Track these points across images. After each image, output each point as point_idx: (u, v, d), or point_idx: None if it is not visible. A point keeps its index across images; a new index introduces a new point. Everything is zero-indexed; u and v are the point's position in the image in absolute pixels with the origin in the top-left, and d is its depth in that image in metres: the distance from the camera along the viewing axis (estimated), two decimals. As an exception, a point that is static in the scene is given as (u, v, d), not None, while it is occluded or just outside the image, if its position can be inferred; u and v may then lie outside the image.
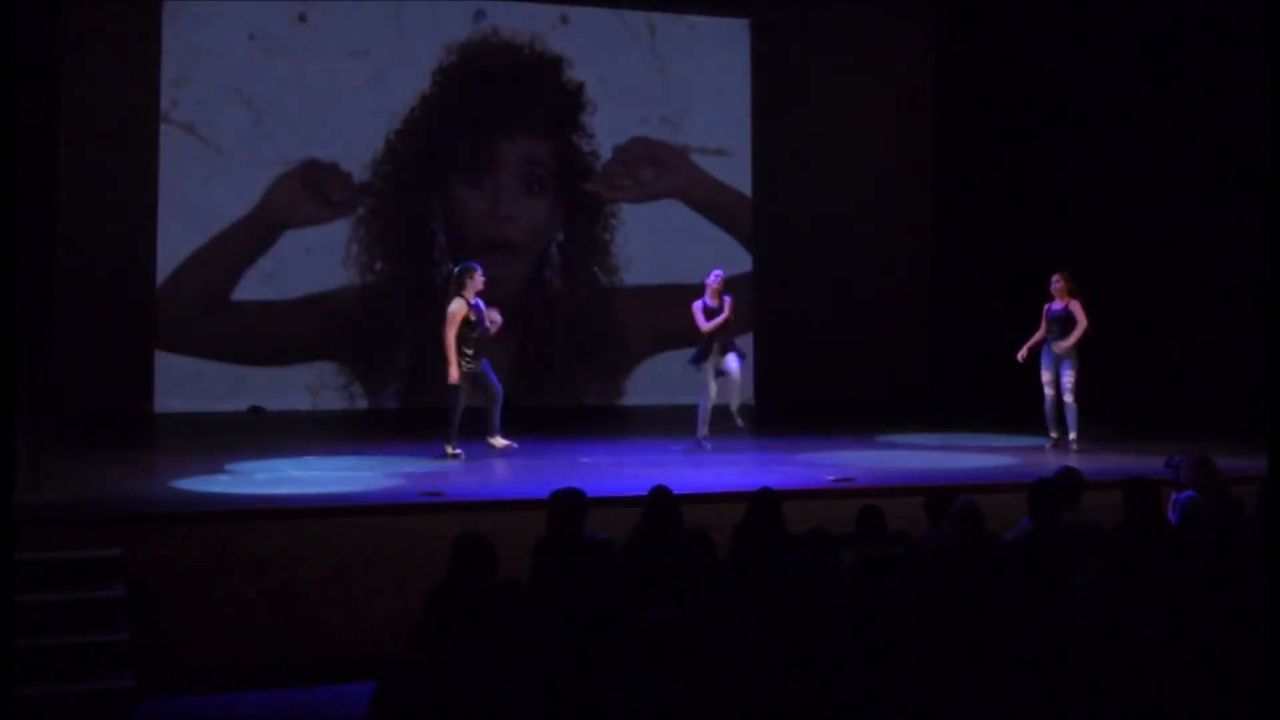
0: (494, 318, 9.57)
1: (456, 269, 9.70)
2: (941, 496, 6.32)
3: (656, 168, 14.36)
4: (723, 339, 10.21)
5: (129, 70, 12.64)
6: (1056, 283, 10.25)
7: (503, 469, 9.18)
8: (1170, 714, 4.15)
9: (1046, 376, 10.25)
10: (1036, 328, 10.35)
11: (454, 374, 9.30)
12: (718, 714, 3.86)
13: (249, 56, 13.07)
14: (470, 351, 9.38)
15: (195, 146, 12.91)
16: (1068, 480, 6.58)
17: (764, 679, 4.04)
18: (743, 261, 14.50)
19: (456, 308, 9.35)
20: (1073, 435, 10.12)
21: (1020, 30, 13.60)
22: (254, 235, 13.10)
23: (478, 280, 9.48)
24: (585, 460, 9.39)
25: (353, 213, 13.41)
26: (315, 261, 13.23)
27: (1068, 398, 10.13)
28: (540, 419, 11.92)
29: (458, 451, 9.33)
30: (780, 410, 13.52)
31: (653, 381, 13.93)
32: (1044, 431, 10.38)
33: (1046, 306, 10.26)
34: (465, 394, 9.41)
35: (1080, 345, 10.14)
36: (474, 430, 9.52)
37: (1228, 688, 4.22)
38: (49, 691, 6.08)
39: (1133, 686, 4.17)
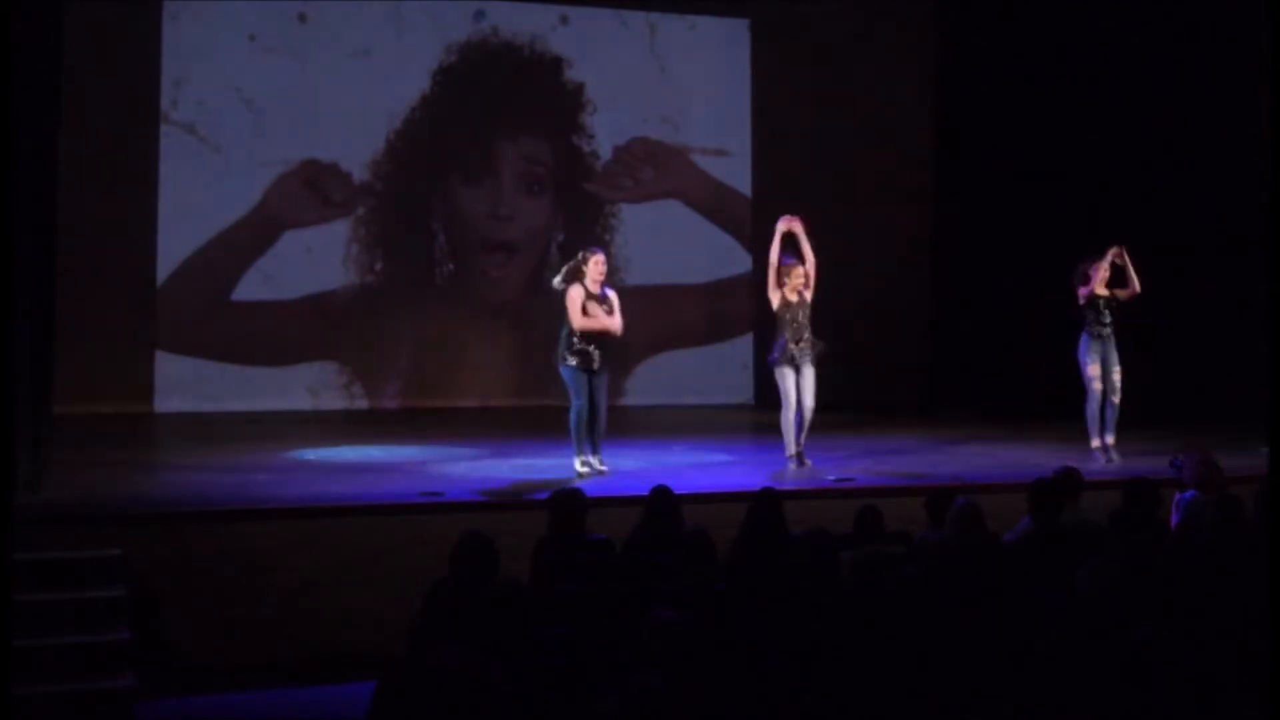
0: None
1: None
2: (941, 496, 6.33)
3: (656, 168, 14.36)
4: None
5: (129, 70, 12.64)
6: (1121, 255, 9.36)
7: (505, 469, 9.17)
8: (1170, 714, 4.15)
9: (1096, 370, 9.44)
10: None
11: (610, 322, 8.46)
12: (717, 714, 3.86)
13: (249, 56, 13.07)
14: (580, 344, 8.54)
15: (195, 146, 12.91)
16: (1068, 480, 6.59)
17: (763, 679, 4.04)
18: (743, 261, 14.49)
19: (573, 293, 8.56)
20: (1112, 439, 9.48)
21: (1020, 29, 13.60)
22: (254, 235, 13.10)
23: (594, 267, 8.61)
24: (587, 459, 9.38)
25: (353, 213, 13.41)
26: (315, 261, 13.23)
27: (1118, 397, 9.44)
28: (541, 419, 11.91)
29: (585, 469, 8.58)
30: (780, 410, 13.50)
31: (653, 381, 13.92)
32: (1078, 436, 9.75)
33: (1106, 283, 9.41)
34: (583, 389, 8.52)
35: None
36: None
37: (1228, 688, 4.22)
38: (49, 691, 6.07)
39: (1133, 686, 4.17)
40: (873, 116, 14.65)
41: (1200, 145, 12.17)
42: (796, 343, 8.94)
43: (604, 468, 8.63)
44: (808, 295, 9.01)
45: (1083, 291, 9.48)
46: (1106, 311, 9.49)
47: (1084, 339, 9.55)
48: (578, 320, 8.51)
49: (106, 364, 12.28)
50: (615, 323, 8.59)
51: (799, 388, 8.95)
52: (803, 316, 8.97)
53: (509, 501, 7.74)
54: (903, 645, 4.36)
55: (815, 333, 9.02)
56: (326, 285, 13.30)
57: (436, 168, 13.64)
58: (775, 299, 8.99)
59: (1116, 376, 9.52)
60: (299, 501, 7.58)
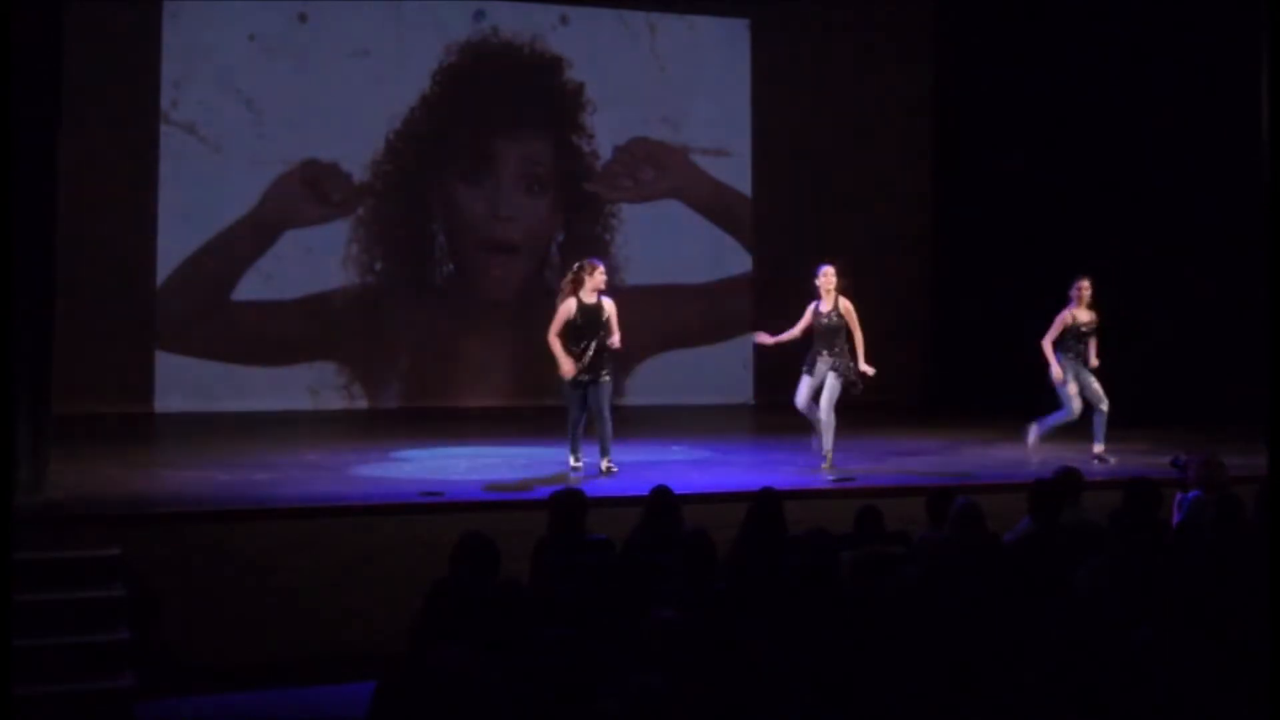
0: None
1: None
2: (941, 496, 6.33)
3: (656, 168, 14.36)
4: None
5: (129, 70, 12.64)
6: (1088, 289, 9.67)
7: (505, 469, 9.17)
8: (1170, 714, 4.14)
9: (1075, 388, 9.64)
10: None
11: (565, 368, 8.54)
12: (717, 714, 3.86)
13: (249, 56, 13.07)
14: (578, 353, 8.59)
15: (195, 146, 12.91)
16: (1068, 480, 6.59)
17: (763, 679, 4.04)
18: (743, 261, 14.50)
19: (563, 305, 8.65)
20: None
21: (1020, 29, 13.61)
22: (254, 235, 13.10)
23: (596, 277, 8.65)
24: (588, 460, 9.38)
25: (353, 213, 13.41)
26: (315, 261, 13.22)
27: (1105, 405, 9.63)
28: (541, 419, 11.91)
29: (578, 464, 8.76)
30: (779, 410, 13.51)
31: (653, 381, 13.91)
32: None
33: (1073, 314, 9.64)
34: (576, 402, 8.65)
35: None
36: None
37: (1228, 688, 4.22)
38: (49, 691, 6.08)
39: (1133, 686, 4.17)
40: (873, 116, 14.66)
41: (1200, 145, 12.16)
42: (822, 352, 9.19)
43: (614, 468, 8.69)
44: (843, 306, 9.21)
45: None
46: (1078, 338, 9.71)
47: (1057, 356, 9.70)
48: (552, 330, 8.70)
49: (106, 364, 12.27)
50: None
51: (815, 388, 9.16)
52: (832, 323, 9.18)
53: (509, 501, 7.75)
54: (903, 645, 4.36)
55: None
56: (326, 285, 13.30)
57: (436, 168, 13.64)
58: (809, 309, 9.21)
59: (1097, 385, 9.69)
60: (299, 501, 7.59)
